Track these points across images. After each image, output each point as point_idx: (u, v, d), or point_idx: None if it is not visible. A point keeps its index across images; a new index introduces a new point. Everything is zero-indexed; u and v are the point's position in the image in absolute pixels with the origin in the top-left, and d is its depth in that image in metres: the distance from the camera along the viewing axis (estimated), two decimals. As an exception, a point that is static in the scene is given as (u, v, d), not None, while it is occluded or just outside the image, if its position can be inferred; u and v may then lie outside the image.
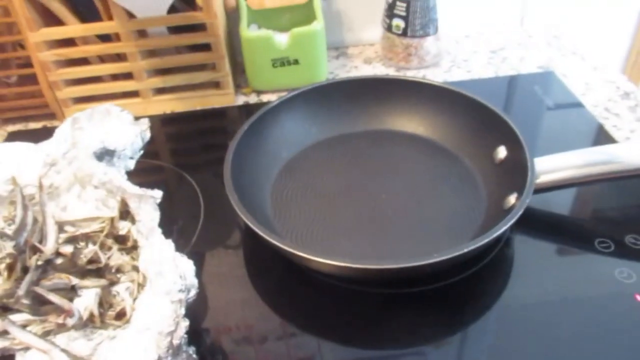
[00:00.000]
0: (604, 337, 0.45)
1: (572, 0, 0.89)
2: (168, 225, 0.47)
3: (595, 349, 0.45)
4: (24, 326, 0.41)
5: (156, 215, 0.45)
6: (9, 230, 0.46)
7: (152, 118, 0.59)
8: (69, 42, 0.70)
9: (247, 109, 0.75)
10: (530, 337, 0.45)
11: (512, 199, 0.52)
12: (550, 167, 0.52)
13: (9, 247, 0.44)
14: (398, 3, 0.76)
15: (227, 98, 0.76)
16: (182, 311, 0.39)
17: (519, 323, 0.47)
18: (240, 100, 0.77)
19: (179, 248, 0.44)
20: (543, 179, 0.51)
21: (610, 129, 0.67)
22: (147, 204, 0.45)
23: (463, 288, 0.50)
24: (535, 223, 0.55)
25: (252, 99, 0.77)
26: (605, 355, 0.44)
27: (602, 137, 0.66)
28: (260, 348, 0.46)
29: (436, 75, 0.80)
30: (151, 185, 0.48)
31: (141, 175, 0.55)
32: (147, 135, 0.55)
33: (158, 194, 0.46)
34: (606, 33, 0.94)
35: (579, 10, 0.90)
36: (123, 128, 0.53)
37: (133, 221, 0.47)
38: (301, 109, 0.64)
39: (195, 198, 0.61)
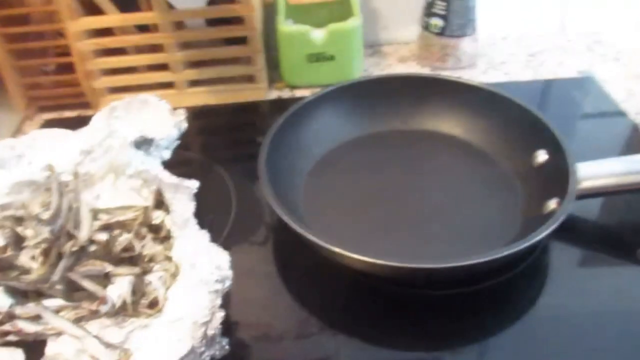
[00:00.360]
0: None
1: (615, 5, 0.87)
2: (199, 218, 0.47)
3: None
4: (57, 312, 0.41)
5: (191, 205, 0.45)
6: (45, 216, 0.46)
7: (185, 110, 0.59)
8: (107, 32, 0.70)
9: (280, 104, 0.74)
10: (562, 350, 0.44)
11: (552, 204, 0.50)
12: (592, 173, 0.51)
13: (45, 232, 0.44)
14: (438, 2, 0.75)
15: (260, 92, 0.75)
16: (219, 302, 0.39)
17: (552, 334, 0.45)
18: (273, 95, 0.77)
19: (211, 241, 0.44)
20: (585, 184, 0.50)
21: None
22: (183, 194, 0.45)
23: (496, 294, 0.49)
24: (573, 230, 0.53)
25: (285, 94, 0.77)
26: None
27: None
28: (288, 343, 0.46)
29: (472, 77, 0.78)
30: (184, 177, 0.47)
31: (174, 167, 0.54)
32: (184, 125, 0.55)
33: (194, 184, 0.46)
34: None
35: (622, 14, 0.88)
36: (161, 118, 0.53)
37: (167, 211, 0.47)
38: (336, 105, 0.64)
39: (227, 192, 0.60)
